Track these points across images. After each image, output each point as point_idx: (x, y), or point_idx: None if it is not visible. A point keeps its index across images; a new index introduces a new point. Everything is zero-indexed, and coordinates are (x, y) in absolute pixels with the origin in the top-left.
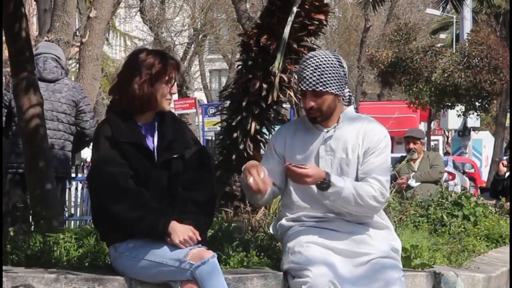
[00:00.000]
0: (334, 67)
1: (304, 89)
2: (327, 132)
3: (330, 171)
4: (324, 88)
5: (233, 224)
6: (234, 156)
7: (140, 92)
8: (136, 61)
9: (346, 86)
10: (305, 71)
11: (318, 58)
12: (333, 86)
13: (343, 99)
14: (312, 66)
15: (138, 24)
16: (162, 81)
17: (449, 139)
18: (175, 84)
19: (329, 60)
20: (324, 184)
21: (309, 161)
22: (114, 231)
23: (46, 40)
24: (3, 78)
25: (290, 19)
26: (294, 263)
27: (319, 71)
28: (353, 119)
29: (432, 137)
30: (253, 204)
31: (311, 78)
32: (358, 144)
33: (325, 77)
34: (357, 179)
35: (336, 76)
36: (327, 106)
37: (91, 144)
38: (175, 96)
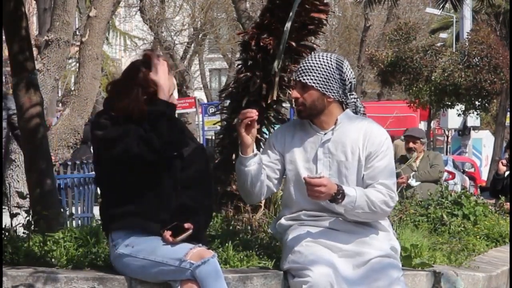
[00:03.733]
0: (329, 67)
1: (294, 79)
2: (325, 134)
3: (329, 173)
4: (309, 82)
5: (232, 223)
6: (234, 156)
7: (136, 108)
8: (137, 75)
9: (350, 94)
10: (301, 64)
11: (317, 56)
12: (321, 83)
13: (345, 105)
14: (308, 61)
15: (138, 24)
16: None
17: (449, 138)
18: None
19: (327, 60)
20: (338, 195)
21: (308, 163)
22: (119, 220)
23: (46, 39)
24: (3, 77)
25: (290, 18)
26: (295, 263)
27: (312, 67)
28: (352, 121)
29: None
30: (246, 201)
31: (302, 70)
32: (359, 147)
33: (315, 73)
34: (357, 182)
35: (327, 76)
36: (311, 102)
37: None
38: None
